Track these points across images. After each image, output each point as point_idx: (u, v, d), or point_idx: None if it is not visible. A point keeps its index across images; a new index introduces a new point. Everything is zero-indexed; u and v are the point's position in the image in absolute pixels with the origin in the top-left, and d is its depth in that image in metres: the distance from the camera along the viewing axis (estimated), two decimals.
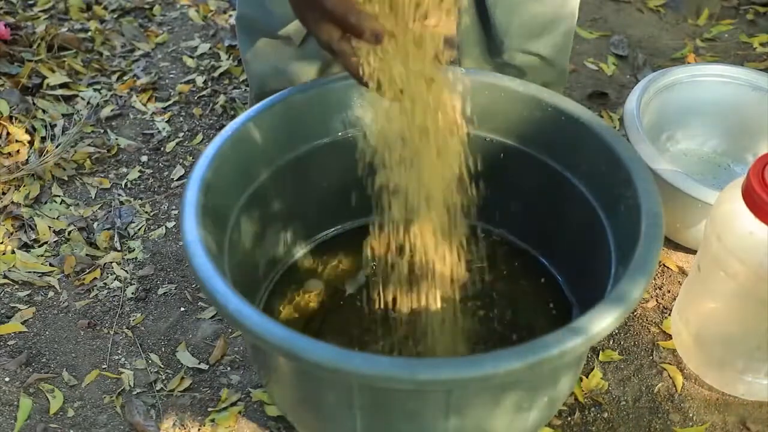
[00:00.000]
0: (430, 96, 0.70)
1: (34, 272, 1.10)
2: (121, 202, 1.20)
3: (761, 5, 1.60)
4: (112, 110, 1.36)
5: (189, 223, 0.72)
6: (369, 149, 0.75)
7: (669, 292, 1.06)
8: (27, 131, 1.29)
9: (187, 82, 1.43)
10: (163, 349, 1.01)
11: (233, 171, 0.81)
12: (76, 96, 1.39)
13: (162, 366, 0.99)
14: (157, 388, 0.96)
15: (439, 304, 0.86)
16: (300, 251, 0.97)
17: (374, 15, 0.63)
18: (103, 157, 1.28)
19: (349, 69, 0.67)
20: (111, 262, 1.11)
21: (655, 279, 1.07)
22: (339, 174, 0.93)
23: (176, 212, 1.19)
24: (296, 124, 0.87)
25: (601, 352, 0.99)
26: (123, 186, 1.23)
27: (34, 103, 1.35)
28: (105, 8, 1.60)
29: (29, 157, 1.26)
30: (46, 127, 1.31)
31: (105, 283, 1.09)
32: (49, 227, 1.16)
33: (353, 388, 0.68)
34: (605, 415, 0.93)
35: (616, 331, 1.01)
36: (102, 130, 1.33)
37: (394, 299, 0.85)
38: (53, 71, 1.41)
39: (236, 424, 0.92)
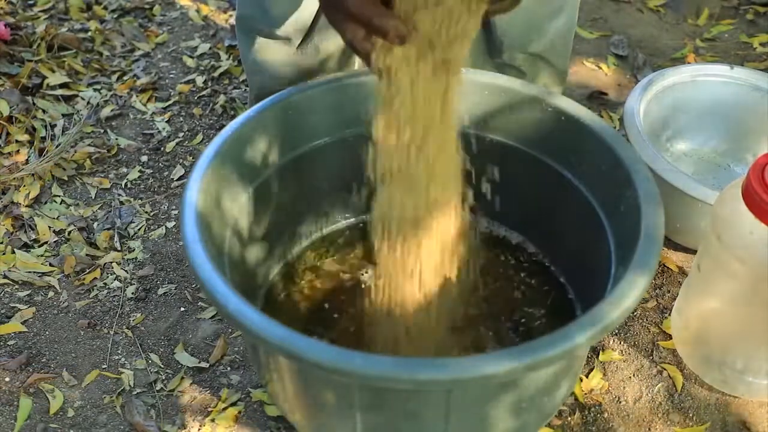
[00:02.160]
0: (439, 103, 0.70)
1: (34, 272, 1.10)
2: (121, 202, 1.20)
3: (761, 5, 1.60)
4: (112, 110, 1.36)
5: (189, 223, 0.72)
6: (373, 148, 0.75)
7: (669, 292, 1.06)
8: (27, 131, 1.29)
9: (187, 82, 1.43)
10: (163, 349, 1.01)
11: (233, 171, 0.81)
12: (76, 96, 1.39)
13: (162, 366, 0.99)
14: (157, 388, 0.96)
15: (440, 303, 0.86)
16: (299, 249, 0.97)
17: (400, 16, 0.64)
18: (103, 157, 1.28)
19: (372, 68, 0.67)
20: (111, 262, 1.11)
21: (655, 279, 1.07)
22: (339, 173, 0.93)
23: (176, 212, 1.19)
24: (296, 124, 0.87)
25: (601, 352, 0.99)
26: (123, 186, 1.23)
27: (34, 103, 1.35)
28: (105, 8, 1.60)
29: (29, 157, 1.26)
30: (46, 127, 1.31)
31: (105, 283, 1.09)
32: (49, 227, 1.16)
33: (353, 388, 0.68)
34: (605, 415, 0.93)
35: (616, 331, 1.01)
36: (102, 130, 1.33)
37: (396, 296, 0.85)
38: (53, 71, 1.41)
39: (236, 424, 0.92)
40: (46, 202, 1.20)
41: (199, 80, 1.43)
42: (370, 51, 0.66)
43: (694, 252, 1.08)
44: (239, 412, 0.93)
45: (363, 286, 0.94)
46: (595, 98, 1.38)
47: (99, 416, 0.94)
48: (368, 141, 0.74)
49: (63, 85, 1.40)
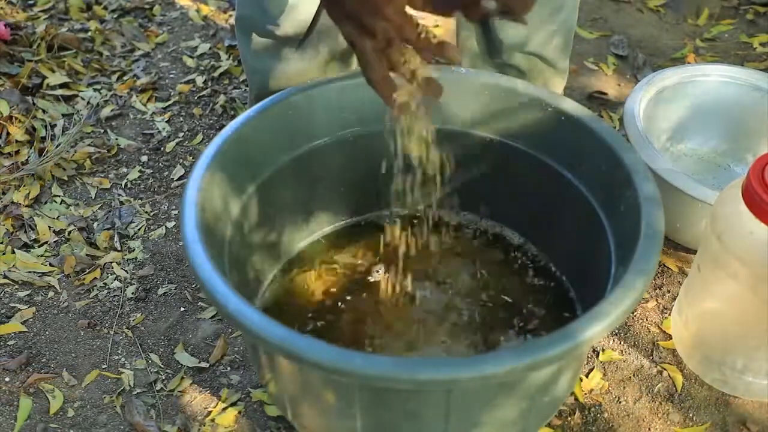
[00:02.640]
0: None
1: (34, 272, 1.10)
2: (121, 202, 1.20)
3: (761, 5, 1.60)
4: (112, 110, 1.36)
5: (189, 223, 0.72)
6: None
7: (669, 292, 1.06)
8: (27, 131, 1.29)
9: (187, 82, 1.43)
10: (163, 349, 1.01)
11: (233, 171, 0.81)
12: (76, 96, 1.39)
13: (162, 366, 0.99)
14: (157, 388, 0.96)
15: (440, 302, 0.86)
16: (299, 249, 0.97)
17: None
18: (103, 157, 1.28)
19: (363, 66, 0.68)
20: (111, 262, 1.11)
21: (655, 279, 1.07)
22: (338, 173, 0.93)
23: (176, 212, 1.19)
24: (296, 124, 0.87)
25: (601, 352, 0.99)
26: (123, 186, 1.23)
27: (34, 103, 1.35)
28: (105, 8, 1.60)
29: (29, 157, 1.26)
30: (46, 127, 1.31)
31: (105, 283, 1.09)
32: (49, 227, 1.16)
33: (353, 388, 0.69)
34: (605, 415, 0.93)
35: (616, 331, 1.01)
36: (102, 130, 1.33)
37: (396, 294, 0.85)
38: (53, 71, 1.41)
39: (236, 424, 0.92)
40: (46, 202, 1.20)
41: (199, 80, 1.43)
42: (366, 49, 0.66)
43: (694, 252, 1.08)
44: (239, 412, 0.93)
45: (363, 285, 0.94)
46: (595, 98, 1.38)
47: (99, 416, 0.94)
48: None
49: (63, 85, 1.40)
